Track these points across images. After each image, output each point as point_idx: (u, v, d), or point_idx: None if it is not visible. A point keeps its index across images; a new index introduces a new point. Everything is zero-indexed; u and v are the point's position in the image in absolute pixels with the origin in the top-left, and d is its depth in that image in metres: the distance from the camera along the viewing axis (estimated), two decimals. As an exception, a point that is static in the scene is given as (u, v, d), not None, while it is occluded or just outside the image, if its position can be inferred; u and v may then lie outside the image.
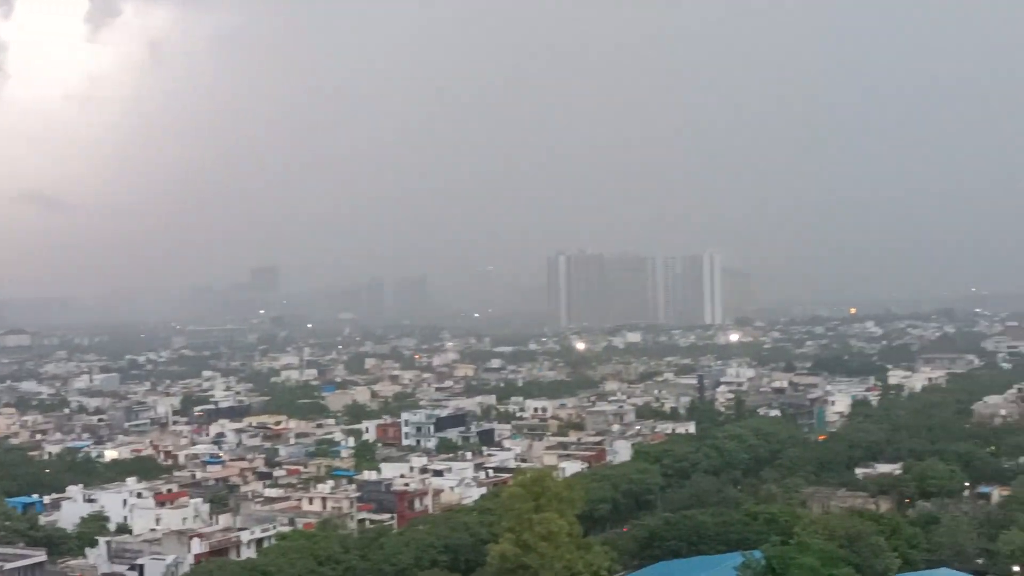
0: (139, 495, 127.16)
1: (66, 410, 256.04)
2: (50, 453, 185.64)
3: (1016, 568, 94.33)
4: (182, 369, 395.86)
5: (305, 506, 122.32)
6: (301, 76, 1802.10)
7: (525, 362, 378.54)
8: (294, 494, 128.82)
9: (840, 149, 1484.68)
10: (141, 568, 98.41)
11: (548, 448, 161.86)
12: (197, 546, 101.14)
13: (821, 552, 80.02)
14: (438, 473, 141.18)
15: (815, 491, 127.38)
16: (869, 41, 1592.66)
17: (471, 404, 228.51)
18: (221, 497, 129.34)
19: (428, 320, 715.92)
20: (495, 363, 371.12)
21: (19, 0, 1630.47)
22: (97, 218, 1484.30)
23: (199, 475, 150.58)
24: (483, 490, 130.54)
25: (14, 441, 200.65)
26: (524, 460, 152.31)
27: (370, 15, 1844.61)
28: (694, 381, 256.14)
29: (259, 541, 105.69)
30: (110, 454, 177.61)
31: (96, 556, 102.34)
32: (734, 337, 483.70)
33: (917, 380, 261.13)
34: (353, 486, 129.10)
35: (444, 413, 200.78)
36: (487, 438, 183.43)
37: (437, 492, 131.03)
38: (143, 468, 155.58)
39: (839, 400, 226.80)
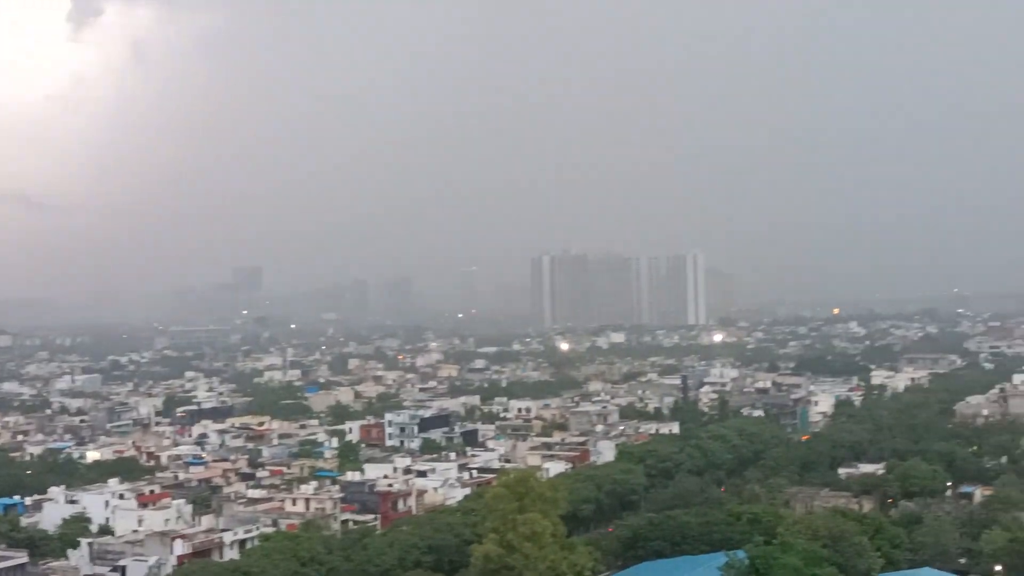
0: (121, 496, 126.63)
1: (48, 411, 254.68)
2: (32, 454, 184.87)
3: (998, 567, 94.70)
4: (164, 370, 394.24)
5: (288, 507, 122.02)
6: (284, 77, 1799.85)
7: (509, 362, 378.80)
8: (277, 495, 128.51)
9: (824, 151, 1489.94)
10: (123, 569, 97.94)
11: (532, 448, 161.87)
12: (180, 547, 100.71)
13: (804, 552, 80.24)
14: (422, 474, 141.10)
15: (798, 491, 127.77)
16: (855, 41, 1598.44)
17: (455, 405, 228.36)
18: (204, 498, 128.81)
19: (412, 320, 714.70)
20: (479, 363, 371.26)
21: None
22: (79, 218, 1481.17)
23: (182, 476, 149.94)
24: (467, 491, 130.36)
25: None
26: (508, 461, 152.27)
27: (353, 16, 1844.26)
28: (678, 381, 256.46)
29: (242, 542, 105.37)
30: (92, 455, 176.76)
31: (78, 558, 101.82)
32: (718, 337, 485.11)
33: (900, 380, 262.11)
34: (336, 487, 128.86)
35: (428, 414, 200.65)
36: (471, 439, 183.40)
37: (421, 493, 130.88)
38: (125, 469, 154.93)
39: (822, 400, 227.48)
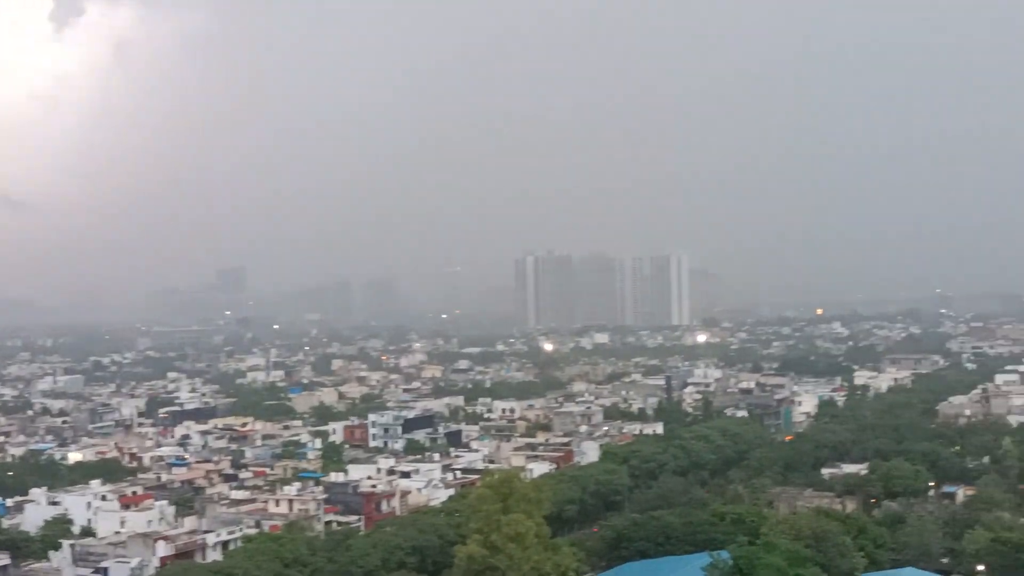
0: (103, 498, 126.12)
1: (29, 412, 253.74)
2: (13, 455, 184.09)
3: (981, 567, 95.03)
4: (147, 371, 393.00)
5: (271, 508, 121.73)
6: (267, 76, 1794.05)
7: (493, 363, 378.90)
8: (260, 496, 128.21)
9: (808, 154, 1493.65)
10: (105, 571, 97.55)
11: (516, 449, 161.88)
12: (162, 549, 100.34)
13: (787, 552, 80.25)
14: (405, 475, 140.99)
15: (782, 491, 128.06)
16: (837, 46, 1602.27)
17: (439, 405, 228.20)
18: (186, 499, 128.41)
19: (396, 321, 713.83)
20: (463, 364, 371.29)
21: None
22: (62, 219, 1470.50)
23: (164, 477, 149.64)
24: (451, 491, 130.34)
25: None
26: (492, 461, 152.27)
27: (337, 17, 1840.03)
28: (662, 382, 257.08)
29: (225, 543, 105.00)
30: (74, 456, 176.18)
31: (60, 559, 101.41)
32: (701, 338, 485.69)
33: (883, 380, 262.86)
34: (320, 488, 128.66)
35: (411, 414, 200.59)
36: (455, 439, 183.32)
37: (404, 494, 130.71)
38: (108, 470, 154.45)
39: (806, 400, 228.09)
